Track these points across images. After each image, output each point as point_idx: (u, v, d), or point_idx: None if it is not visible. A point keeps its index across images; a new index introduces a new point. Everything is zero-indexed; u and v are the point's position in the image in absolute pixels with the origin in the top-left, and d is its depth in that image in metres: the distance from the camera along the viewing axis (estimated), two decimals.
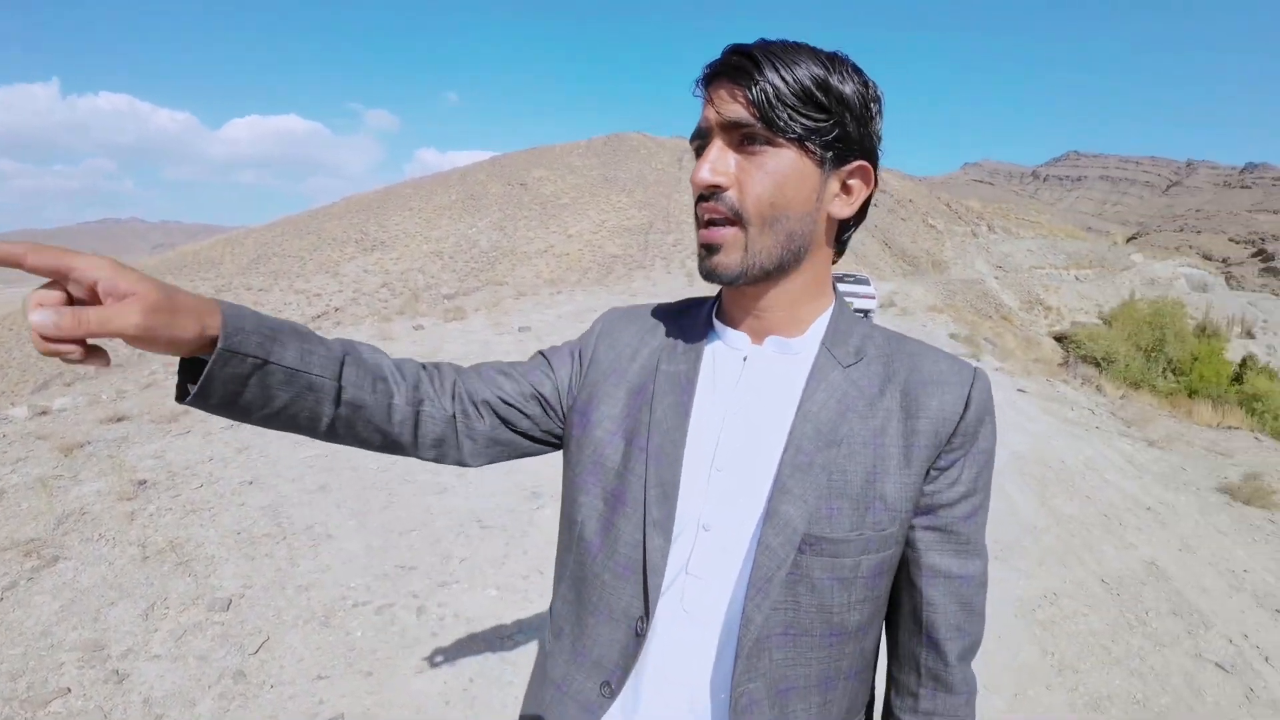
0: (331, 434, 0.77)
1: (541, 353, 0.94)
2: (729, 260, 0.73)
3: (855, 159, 0.74)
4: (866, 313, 15.89)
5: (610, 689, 0.80)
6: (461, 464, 0.88)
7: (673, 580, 0.78)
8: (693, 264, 24.32)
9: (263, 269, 28.67)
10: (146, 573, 3.14)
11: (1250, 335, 30.63)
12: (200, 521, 3.68)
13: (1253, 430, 9.21)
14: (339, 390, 0.74)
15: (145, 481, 4.08)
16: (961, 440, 0.76)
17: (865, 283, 17.22)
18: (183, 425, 5.20)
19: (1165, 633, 3.52)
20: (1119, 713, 2.88)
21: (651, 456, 0.79)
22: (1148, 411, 9.63)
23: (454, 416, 0.84)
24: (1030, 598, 3.70)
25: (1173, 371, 24.76)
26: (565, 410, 0.90)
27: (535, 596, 3.18)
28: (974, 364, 0.80)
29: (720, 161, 0.71)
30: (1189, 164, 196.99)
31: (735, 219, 0.71)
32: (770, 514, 0.73)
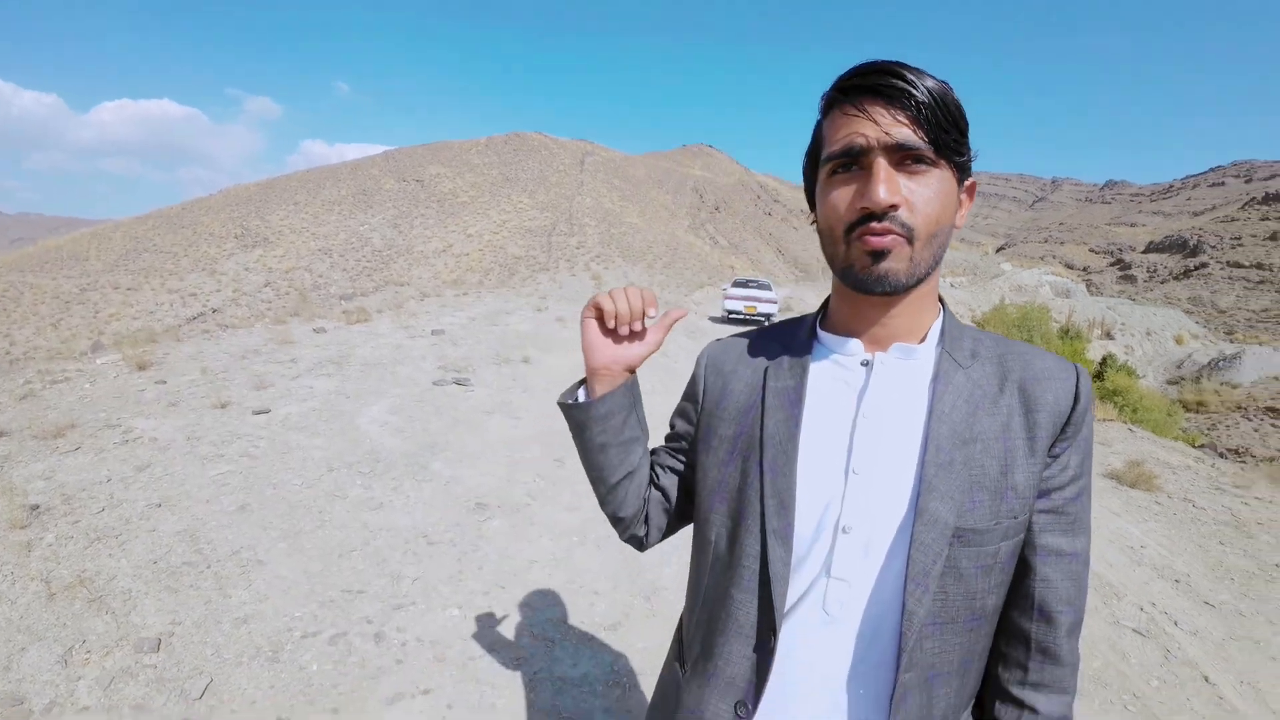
0: (624, 480, 0.99)
1: (672, 431, 1.06)
2: (898, 267, 0.76)
3: (969, 175, 0.83)
4: (768, 316, 16.26)
5: (747, 708, 0.84)
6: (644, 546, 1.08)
7: (810, 585, 0.81)
8: (598, 267, 23.98)
9: (132, 266, 26.33)
10: (56, 612, 2.79)
11: (1110, 336, 33.58)
12: (109, 551, 3.31)
13: (1124, 422, 10.11)
14: (643, 451, 1.01)
15: (38, 506, 3.64)
16: (1073, 430, 0.81)
17: (767, 288, 17.48)
18: (71, 441, 4.69)
19: (1086, 604, 3.79)
20: None
21: (767, 470, 0.84)
22: None
23: (670, 509, 1.05)
24: None
25: None
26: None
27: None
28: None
29: (893, 182, 0.74)
30: (1054, 181, 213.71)
31: (905, 236, 0.75)
32: (920, 512, 0.77)
